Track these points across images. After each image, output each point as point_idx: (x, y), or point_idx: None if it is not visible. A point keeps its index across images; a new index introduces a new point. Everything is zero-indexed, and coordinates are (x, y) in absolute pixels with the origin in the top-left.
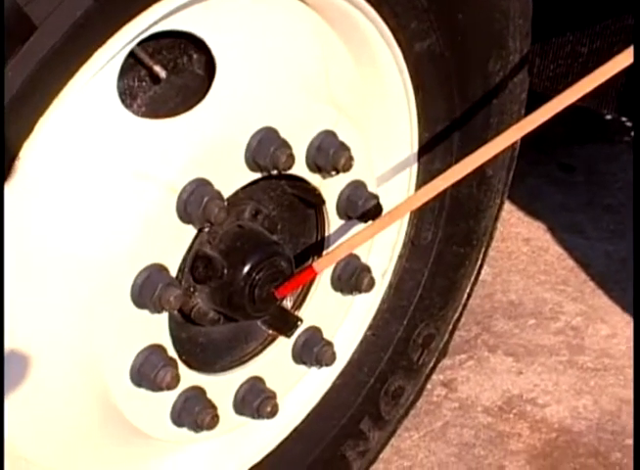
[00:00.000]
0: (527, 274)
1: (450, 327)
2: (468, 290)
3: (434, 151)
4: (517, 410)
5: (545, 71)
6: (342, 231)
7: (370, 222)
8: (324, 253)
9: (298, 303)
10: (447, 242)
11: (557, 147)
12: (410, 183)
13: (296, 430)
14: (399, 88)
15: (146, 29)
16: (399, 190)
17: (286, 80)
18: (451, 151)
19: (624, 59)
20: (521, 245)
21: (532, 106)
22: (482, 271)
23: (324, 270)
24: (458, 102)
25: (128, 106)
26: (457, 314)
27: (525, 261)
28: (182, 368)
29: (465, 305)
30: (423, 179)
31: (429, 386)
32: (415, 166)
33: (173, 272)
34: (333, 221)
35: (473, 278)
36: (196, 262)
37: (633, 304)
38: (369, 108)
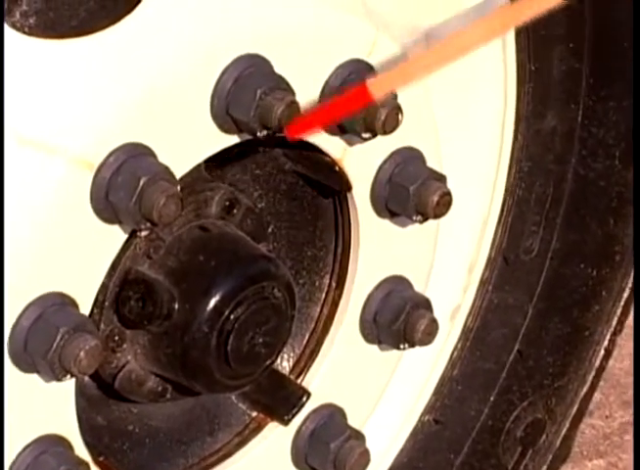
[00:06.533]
0: None
1: (574, 410)
2: (606, 343)
3: (545, 89)
4: None
5: None
6: (379, 235)
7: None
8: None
9: (304, 363)
10: (568, 257)
11: None
12: (502, 153)
13: None
14: None
15: None
16: (484, 163)
17: None
18: (577, 90)
19: None
20: None
21: None
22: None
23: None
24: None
25: (7, 14)
26: (586, 387)
27: None
28: None
29: (600, 371)
30: (526, 143)
31: None
32: (510, 120)
33: (85, 308)
34: (365, 220)
35: (614, 323)
36: (125, 291)
37: (634, 305)
38: (430, 20)
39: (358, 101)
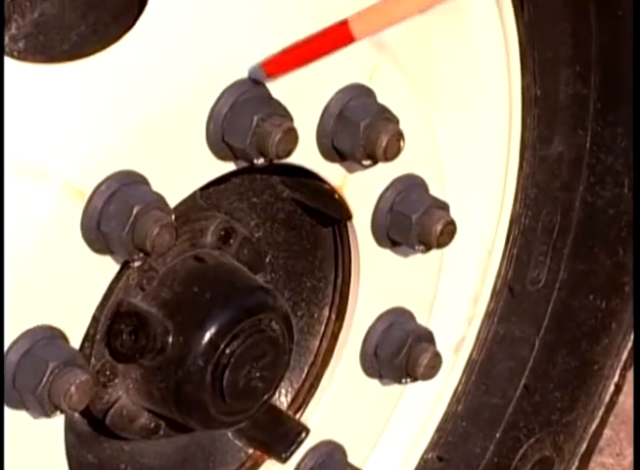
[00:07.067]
0: None
1: (583, 447)
2: (616, 378)
3: (552, 114)
4: None
5: None
6: (381, 266)
7: None
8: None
9: (302, 399)
10: (576, 288)
11: None
12: (507, 180)
13: None
14: (489, 4)
15: None
16: (489, 191)
17: None
18: (584, 116)
19: None
20: None
21: None
22: None
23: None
24: (595, 36)
25: None
26: (596, 423)
27: None
28: None
29: (610, 407)
30: (532, 170)
31: None
32: (516, 146)
33: (75, 341)
34: (366, 249)
35: (625, 357)
36: (117, 324)
37: (633, 307)
38: (434, 42)
39: (339, 40)
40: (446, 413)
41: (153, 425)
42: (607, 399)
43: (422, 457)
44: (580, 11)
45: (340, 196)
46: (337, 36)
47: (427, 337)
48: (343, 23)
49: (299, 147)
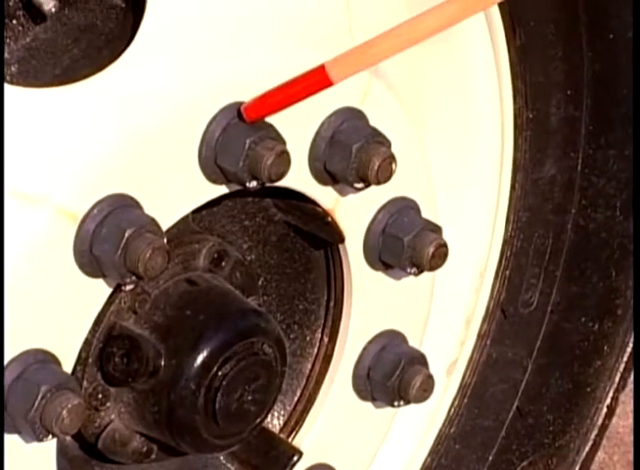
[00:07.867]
0: None
1: None
2: (608, 401)
3: (543, 137)
4: None
5: None
6: (373, 288)
7: None
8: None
9: (295, 421)
10: (569, 311)
11: None
12: (499, 203)
13: None
14: (481, 29)
15: None
16: (481, 213)
17: (273, 18)
18: (576, 138)
19: None
20: None
21: None
22: None
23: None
24: (587, 60)
25: None
26: (588, 446)
27: None
28: None
29: (603, 430)
30: (524, 193)
31: None
32: (508, 169)
33: (67, 365)
34: (358, 272)
35: (617, 379)
36: (109, 347)
37: (633, 309)
38: (425, 65)
39: (317, 84)
40: (439, 436)
41: (145, 449)
42: (599, 421)
43: None
44: (571, 35)
45: (332, 219)
46: (315, 80)
47: (419, 359)
48: (320, 68)
49: (292, 170)
